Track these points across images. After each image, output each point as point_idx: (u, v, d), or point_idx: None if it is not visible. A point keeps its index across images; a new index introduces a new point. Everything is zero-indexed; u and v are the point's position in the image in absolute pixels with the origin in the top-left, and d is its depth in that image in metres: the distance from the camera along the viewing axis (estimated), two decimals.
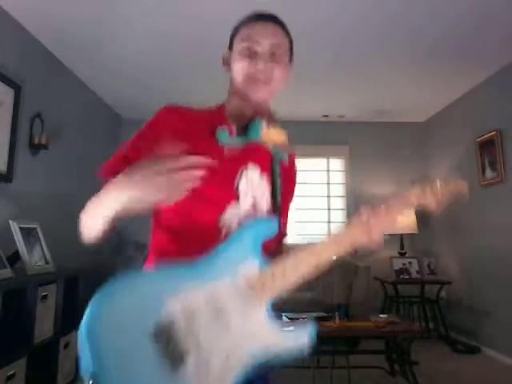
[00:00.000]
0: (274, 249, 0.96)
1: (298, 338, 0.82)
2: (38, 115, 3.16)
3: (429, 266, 4.40)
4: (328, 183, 5.11)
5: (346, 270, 4.12)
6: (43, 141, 3.14)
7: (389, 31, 3.04)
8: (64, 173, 3.65)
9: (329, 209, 5.06)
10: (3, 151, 2.78)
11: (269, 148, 1.00)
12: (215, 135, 0.93)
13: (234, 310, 0.77)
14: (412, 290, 4.35)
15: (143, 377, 0.71)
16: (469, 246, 4.14)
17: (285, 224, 1.11)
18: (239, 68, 0.96)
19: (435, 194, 0.98)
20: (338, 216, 5.05)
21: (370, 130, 5.10)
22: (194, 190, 0.78)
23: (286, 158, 1.04)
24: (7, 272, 2.32)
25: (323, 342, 2.96)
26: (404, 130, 5.13)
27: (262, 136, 0.97)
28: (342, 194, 5.09)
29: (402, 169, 5.03)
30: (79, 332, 0.71)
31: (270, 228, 0.88)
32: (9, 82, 2.80)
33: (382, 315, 3.14)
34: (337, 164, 5.18)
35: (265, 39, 0.95)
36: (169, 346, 0.72)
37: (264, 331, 0.79)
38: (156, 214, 0.96)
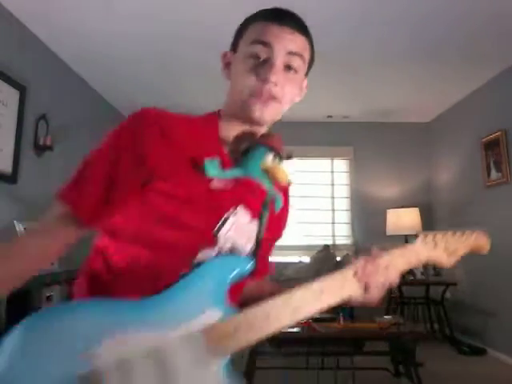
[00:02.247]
0: (248, 294, 0.84)
1: None
2: (43, 116, 3.17)
3: (434, 267, 4.38)
4: (332, 184, 5.10)
5: None
6: (48, 142, 3.15)
7: (393, 32, 3.03)
8: (69, 174, 3.64)
9: (333, 210, 5.05)
10: (8, 152, 2.79)
11: (266, 187, 0.80)
12: (202, 166, 0.73)
13: (182, 366, 0.64)
14: (417, 291, 4.33)
15: None
16: None
17: (266, 263, 0.95)
18: (243, 79, 0.77)
19: (449, 248, 0.87)
20: (343, 217, 5.04)
21: (374, 131, 5.08)
22: (167, 225, 0.72)
23: (279, 203, 0.84)
24: None
25: (327, 344, 2.95)
26: (408, 131, 5.11)
27: (263, 171, 0.77)
28: (346, 195, 5.07)
29: (407, 170, 5.01)
30: None
31: (243, 267, 0.74)
32: (14, 83, 2.81)
33: (386, 316, 3.12)
34: (341, 165, 5.16)
35: (280, 45, 0.76)
36: None
37: None
38: (106, 234, 0.79)
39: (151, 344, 0.63)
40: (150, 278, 0.72)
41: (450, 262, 0.88)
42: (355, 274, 0.76)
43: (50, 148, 3.18)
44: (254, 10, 0.82)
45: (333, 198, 5.08)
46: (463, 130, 4.36)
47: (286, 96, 0.79)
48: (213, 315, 0.67)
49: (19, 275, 0.70)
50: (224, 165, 0.75)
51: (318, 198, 5.01)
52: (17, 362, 0.59)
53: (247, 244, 0.80)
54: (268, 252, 0.92)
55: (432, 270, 4.37)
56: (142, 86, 4.08)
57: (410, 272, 4.31)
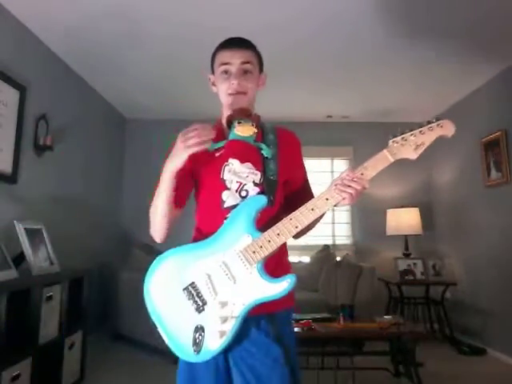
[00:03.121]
0: (274, 215, 1.19)
1: (281, 285, 1.08)
2: (43, 116, 3.18)
3: (434, 266, 4.38)
4: None
5: (350, 271, 4.11)
6: (48, 142, 3.15)
7: (392, 32, 3.03)
8: (69, 174, 3.66)
9: (333, 210, 5.04)
10: (8, 152, 2.79)
11: (244, 140, 1.19)
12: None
13: (237, 270, 1.10)
14: (417, 291, 4.33)
15: (180, 315, 1.12)
16: (474, 247, 4.11)
17: (306, 190, 1.41)
18: (221, 88, 1.26)
19: (417, 142, 1.10)
20: (343, 217, 5.04)
21: (374, 131, 5.06)
22: (203, 186, 1.25)
23: (266, 150, 1.23)
24: (12, 273, 2.33)
25: (327, 344, 2.95)
26: None
27: (237, 133, 1.18)
28: None
29: (407, 170, 5.01)
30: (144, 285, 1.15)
31: (259, 203, 1.14)
32: (14, 83, 2.81)
33: (386, 316, 3.13)
34: (341, 165, 5.17)
35: (234, 60, 1.24)
36: (195, 295, 1.12)
37: (258, 282, 1.09)
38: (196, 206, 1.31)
39: (219, 260, 1.12)
40: (214, 227, 1.16)
41: (416, 154, 1.16)
42: (336, 187, 1.13)
43: (50, 148, 3.18)
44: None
45: None
46: (463, 129, 4.36)
47: (249, 88, 1.25)
48: (247, 238, 1.11)
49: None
50: (216, 141, 1.17)
51: None
52: (157, 279, 1.15)
53: (248, 179, 1.21)
54: (295, 181, 1.36)
55: (432, 270, 4.37)
56: (142, 86, 4.08)
57: (410, 272, 4.32)
